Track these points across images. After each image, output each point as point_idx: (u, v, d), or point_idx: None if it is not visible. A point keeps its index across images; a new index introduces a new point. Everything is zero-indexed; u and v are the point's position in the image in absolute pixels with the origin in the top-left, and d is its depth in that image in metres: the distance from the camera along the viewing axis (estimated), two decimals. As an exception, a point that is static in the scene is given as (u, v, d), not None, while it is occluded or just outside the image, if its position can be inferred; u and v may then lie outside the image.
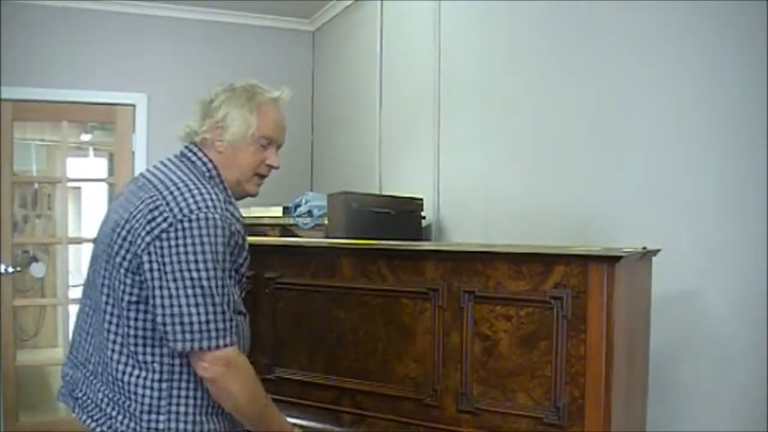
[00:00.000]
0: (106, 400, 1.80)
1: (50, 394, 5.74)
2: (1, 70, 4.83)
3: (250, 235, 1.99)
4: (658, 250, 2.23)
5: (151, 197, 1.77)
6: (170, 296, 1.69)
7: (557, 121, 3.00)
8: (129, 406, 1.77)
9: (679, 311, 2.40)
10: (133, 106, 5.31)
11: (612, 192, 2.70)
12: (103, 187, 6.95)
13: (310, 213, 4.22)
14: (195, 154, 1.93)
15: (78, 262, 9.86)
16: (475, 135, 3.57)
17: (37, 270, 6.65)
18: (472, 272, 2.09)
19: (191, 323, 1.69)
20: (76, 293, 7.55)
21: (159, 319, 1.71)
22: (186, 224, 1.71)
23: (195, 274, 1.69)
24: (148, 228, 1.73)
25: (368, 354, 2.33)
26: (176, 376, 1.78)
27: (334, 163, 5.40)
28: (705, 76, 2.35)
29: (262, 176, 2.01)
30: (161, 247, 1.71)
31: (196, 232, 1.70)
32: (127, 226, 1.76)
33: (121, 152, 5.36)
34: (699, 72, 2.37)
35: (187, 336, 1.70)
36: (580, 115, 2.87)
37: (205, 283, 1.70)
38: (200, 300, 1.69)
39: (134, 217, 1.76)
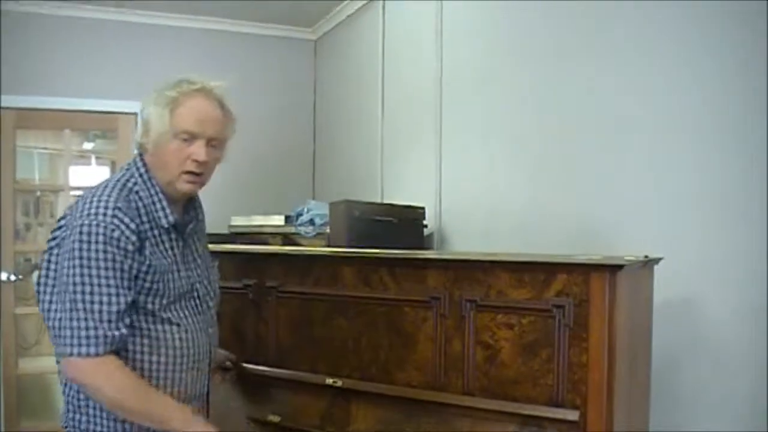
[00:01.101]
0: (65, 399, 1.90)
1: (51, 402, 5.73)
2: (3, 79, 4.85)
3: (251, 244, 1.98)
4: (660, 259, 2.23)
5: (69, 208, 1.86)
6: (50, 302, 1.80)
7: (559, 130, 3.01)
8: (77, 410, 1.86)
9: (681, 319, 2.40)
10: (135, 114, 5.31)
11: (614, 200, 2.70)
12: (105, 196, 6.94)
13: (311, 221, 4.22)
14: (134, 159, 1.93)
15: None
16: (477, 143, 3.57)
17: (38, 278, 6.63)
18: (474, 281, 2.09)
19: (61, 329, 1.74)
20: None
21: (49, 323, 1.82)
22: (69, 231, 1.76)
23: (70, 279, 1.71)
24: (53, 235, 1.85)
25: (370, 362, 2.33)
26: None
27: (336, 171, 5.41)
28: (708, 82, 2.35)
29: (193, 173, 1.88)
30: (57, 254, 1.81)
31: (74, 238, 1.73)
32: (55, 231, 1.87)
33: (123, 160, 5.29)
34: (702, 79, 2.37)
35: (57, 341, 1.76)
36: (582, 124, 2.87)
37: (77, 288, 1.71)
38: (68, 306, 1.72)
39: (58, 221, 1.88)
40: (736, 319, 2.24)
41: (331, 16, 5.41)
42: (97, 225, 1.72)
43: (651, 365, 2.32)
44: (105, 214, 1.74)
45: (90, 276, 1.71)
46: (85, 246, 1.71)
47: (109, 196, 1.79)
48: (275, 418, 2.44)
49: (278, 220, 4.50)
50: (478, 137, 3.56)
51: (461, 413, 2.09)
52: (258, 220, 4.70)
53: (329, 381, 2.39)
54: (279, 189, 5.51)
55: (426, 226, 3.78)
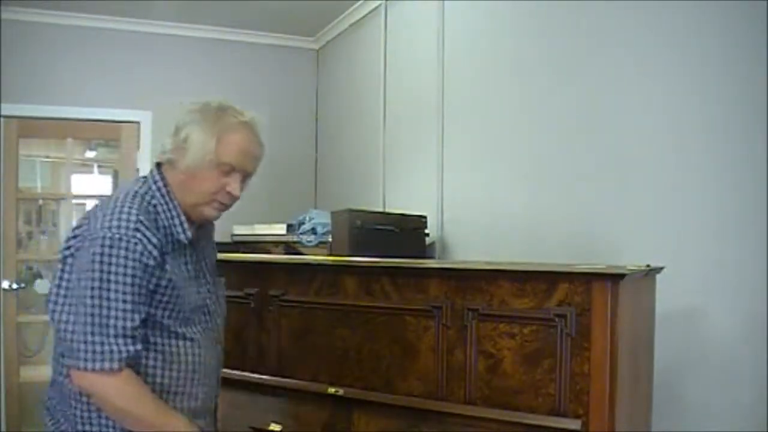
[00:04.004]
0: (57, 408, 1.83)
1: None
2: (6, 87, 4.86)
3: (253, 252, 1.98)
4: (662, 268, 2.23)
5: (84, 218, 1.81)
6: (62, 312, 1.75)
7: (560, 139, 3.01)
8: (74, 420, 1.79)
9: (683, 329, 2.40)
10: (138, 123, 5.33)
11: (616, 209, 2.70)
12: (108, 204, 6.95)
13: (313, 230, 4.22)
14: (152, 173, 1.88)
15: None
16: (479, 152, 3.58)
17: (41, 286, 6.63)
18: (476, 290, 2.09)
19: (72, 341, 1.70)
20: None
21: (60, 334, 1.76)
22: (87, 243, 1.71)
23: (87, 292, 1.67)
24: (67, 244, 1.79)
25: (372, 371, 2.32)
26: None
27: (338, 180, 5.41)
28: (708, 93, 2.36)
29: (223, 203, 1.88)
30: (71, 264, 1.77)
31: (92, 250, 1.68)
32: (70, 240, 1.82)
33: (126, 169, 5.38)
34: (701, 89, 2.38)
35: (67, 352, 1.72)
36: (584, 133, 2.88)
37: (89, 301, 1.67)
38: (81, 318, 1.68)
39: (73, 230, 1.82)
40: (738, 329, 2.24)
41: (333, 25, 5.43)
42: (120, 239, 1.69)
43: (653, 374, 2.31)
44: (127, 227, 1.70)
45: (108, 290, 1.67)
46: (105, 259, 1.68)
47: (130, 207, 1.75)
48: (277, 427, 2.43)
49: (280, 229, 4.50)
50: (480, 146, 3.56)
51: (463, 423, 2.08)
52: (260, 229, 4.70)
53: (331, 390, 2.39)
54: (281, 198, 5.51)
55: (428, 234, 3.78)
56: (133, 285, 1.70)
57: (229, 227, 5.06)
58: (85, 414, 1.78)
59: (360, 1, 4.90)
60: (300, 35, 5.76)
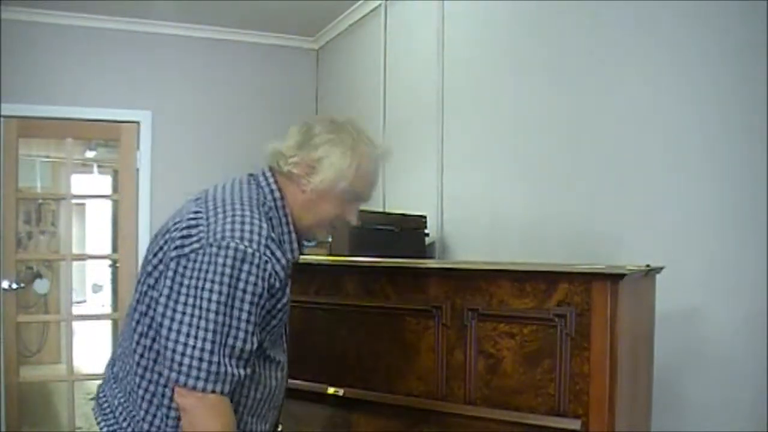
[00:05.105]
0: (120, 408, 1.73)
1: (53, 410, 5.73)
2: (6, 87, 4.86)
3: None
4: (662, 268, 2.23)
5: (197, 213, 1.66)
6: (173, 319, 1.57)
7: (560, 139, 3.01)
8: (140, 424, 1.69)
9: (683, 328, 2.40)
10: (138, 123, 5.34)
11: (616, 209, 2.71)
12: (107, 204, 6.97)
13: (313, 230, 4.22)
14: (267, 179, 1.78)
15: (82, 279, 9.85)
16: (479, 152, 3.58)
17: (40, 286, 6.66)
18: (476, 290, 2.09)
19: (183, 354, 1.55)
20: (79, 310, 7.56)
21: (162, 340, 1.59)
22: (213, 250, 1.57)
23: (204, 304, 1.55)
24: (180, 242, 1.62)
25: (372, 371, 2.32)
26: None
27: (338, 180, 5.40)
28: (707, 92, 2.36)
29: (335, 227, 1.85)
30: (185, 267, 1.59)
31: (220, 260, 1.56)
32: (167, 235, 1.66)
33: (126, 169, 5.38)
34: (701, 88, 2.38)
35: (174, 366, 1.56)
36: (584, 133, 2.88)
37: (212, 316, 1.55)
38: (200, 333, 1.55)
39: (176, 227, 1.65)
40: (738, 329, 2.24)
41: (333, 25, 5.43)
42: (252, 253, 1.57)
43: (653, 374, 2.31)
44: (259, 242, 1.59)
45: (233, 307, 1.56)
46: (235, 273, 1.56)
47: (259, 220, 1.64)
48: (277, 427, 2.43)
49: (280, 228, 4.50)
50: (480, 146, 3.57)
51: (463, 423, 2.08)
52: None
53: (331, 390, 2.38)
54: (281, 197, 5.50)
55: (428, 234, 3.78)
56: (257, 306, 1.60)
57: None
58: (162, 423, 1.67)
59: (360, 1, 4.90)
60: (300, 35, 5.76)
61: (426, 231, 3.76)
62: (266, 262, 1.60)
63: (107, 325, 7.16)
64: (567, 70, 2.99)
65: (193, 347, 1.55)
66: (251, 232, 1.60)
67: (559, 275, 1.94)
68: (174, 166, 5.32)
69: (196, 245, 1.60)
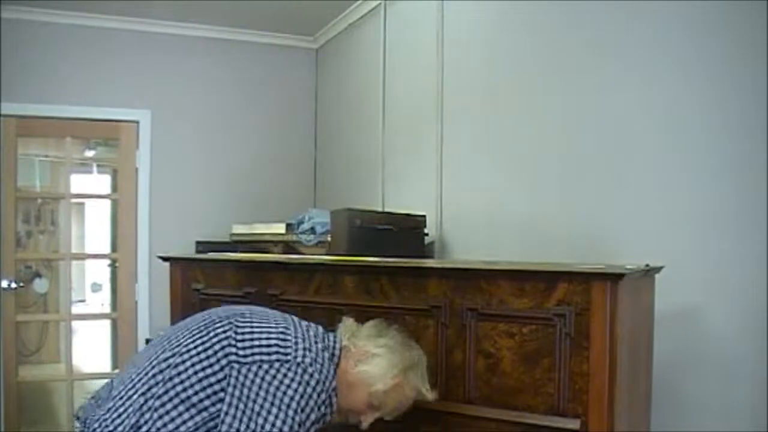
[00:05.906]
0: (99, 422, 1.73)
1: (52, 409, 5.73)
2: (5, 86, 4.87)
3: (252, 252, 1.97)
4: (662, 267, 2.23)
5: (284, 327, 1.83)
6: (228, 423, 1.67)
7: (560, 138, 3.01)
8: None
9: (683, 328, 2.40)
10: (137, 122, 5.34)
11: (615, 209, 2.71)
12: (107, 204, 6.96)
13: (312, 230, 4.23)
14: (337, 343, 1.94)
15: (81, 278, 9.83)
16: (478, 152, 3.58)
17: (39, 285, 6.65)
18: (475, 289, 2.09)
19: None
20: (78, 309, 7.55)
21: None
22: (294, 368, 1.73)
23: (271, 418, 1.67)
24: (262, 346, 1.76)
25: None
26: None
27: (337, 179, 5.41)
28: (707, 92, 2.36)
29: (348, 420, 1.95)
30: (255, 373, 1.72)
31: (300, 378, 1.72)
32: (239, 331, 1.79)
33: (125, 168, 5.38)
34: (701, 88, 2.38)
35: None
36: (583, 132, 2.88)
37: (267, 427, 1.66)
38: None
39: (255, 327, 1.80)
40: (737, 328, 2.24)
41: (332, 24, 5.43)
42: (323, 390, 1.75)
43: (652, 374, 2.31)
44: (329, 381, 1.78)
45: (292, 425, 1.68)
46: (305, 398, 1.72)
47: (329, 369, 1.81)
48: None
49: (279, 228, 4.51)
50: (480, 146, 3.57)
51: (462, 422, 2.08)
52: (259, 228, 4.71)
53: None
54: (280, 197, 5.51)
55: (427, 234, 3.78)
56: (302, 424, 1.72)
57: (228, 226, 5.07)
58: None
59: (359, 1, 4.90)
60: (299, 35, 5.76)
61: (425, 230, 3.76)
62: (324, 399, 1.77)
63: (106, 324, 7.16)
64: (566, 70, 2.98)
65: None
66: (328, 370, 1.81)
67: (559, 275, 1.94)
68: (173, 165, 5.32)
69: (275, 356, 1.76)
